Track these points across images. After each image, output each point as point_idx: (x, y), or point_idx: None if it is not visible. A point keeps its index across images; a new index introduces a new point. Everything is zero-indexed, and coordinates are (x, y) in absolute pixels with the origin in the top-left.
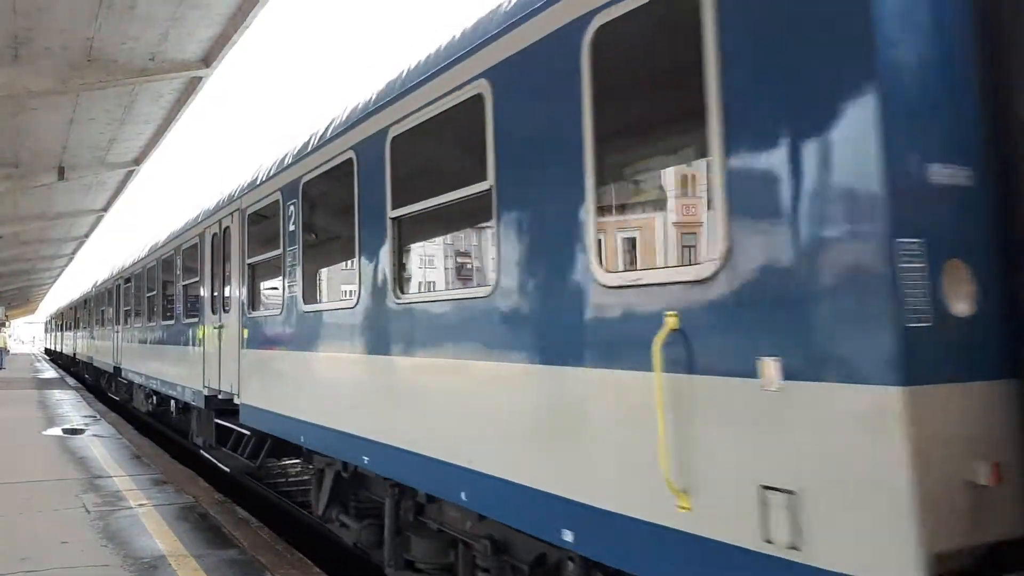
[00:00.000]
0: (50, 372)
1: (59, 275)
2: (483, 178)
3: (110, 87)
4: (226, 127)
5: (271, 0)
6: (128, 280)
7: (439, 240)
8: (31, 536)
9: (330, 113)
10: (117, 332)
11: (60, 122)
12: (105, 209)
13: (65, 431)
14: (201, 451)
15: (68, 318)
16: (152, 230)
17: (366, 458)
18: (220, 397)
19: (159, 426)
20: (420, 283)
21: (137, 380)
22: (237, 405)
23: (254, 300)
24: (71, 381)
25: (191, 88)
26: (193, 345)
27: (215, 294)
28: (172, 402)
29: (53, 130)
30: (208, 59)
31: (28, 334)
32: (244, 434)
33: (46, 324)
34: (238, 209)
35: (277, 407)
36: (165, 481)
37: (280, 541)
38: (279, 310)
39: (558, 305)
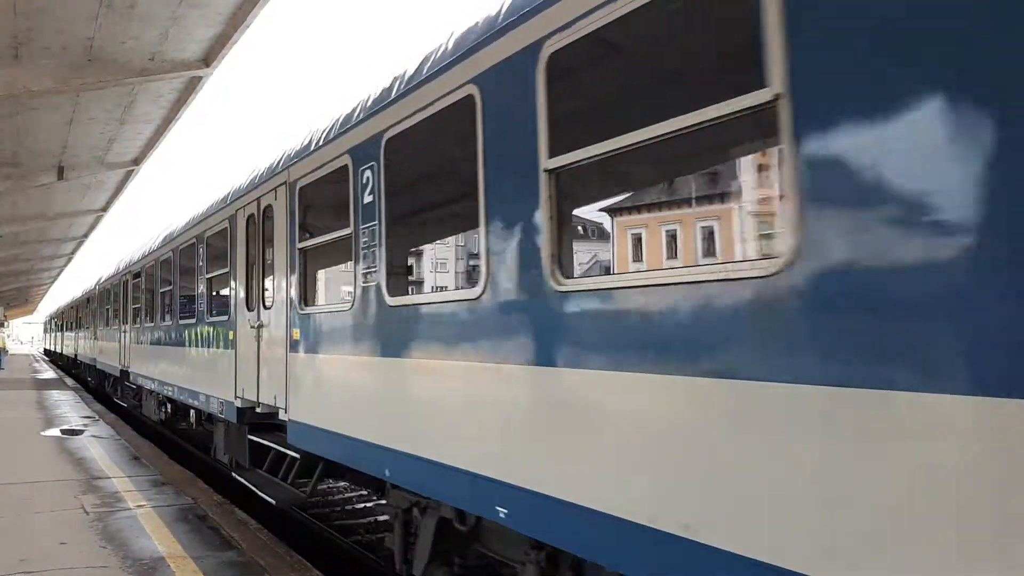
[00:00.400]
0: (49, 373)
1: (58, 275)
2: (758, 85)
3: (110, 87)
4: (226, 127)
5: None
6: (137, 275)
7: (639, 196)
8: (30, 537)
9: (426, 47)
10: (124, 332)
11: (60, 122)
12: (104, 209)
13: (64, 432)
14: (233, 474)
15: (69, 317)
16: (166, 218)
17: (504, 510)
18: (259, 410)
19: (175, 438)
20: (597, 261)
21: (148, 386)
22: (282, 421)
23: (308, 293)
24: (70, 382)
25: (191, 88)
26: (221, 348)
27: (251, 287)
28: (191, 412)
29: (53, 130)
30: (208, 59)
31: (27, 334)
32: (286, 454)
33: (45, 324)
34: (284, 183)
35: (345, 428)
36: (164, 482)
37: (280, 543)
38: (349, 305)
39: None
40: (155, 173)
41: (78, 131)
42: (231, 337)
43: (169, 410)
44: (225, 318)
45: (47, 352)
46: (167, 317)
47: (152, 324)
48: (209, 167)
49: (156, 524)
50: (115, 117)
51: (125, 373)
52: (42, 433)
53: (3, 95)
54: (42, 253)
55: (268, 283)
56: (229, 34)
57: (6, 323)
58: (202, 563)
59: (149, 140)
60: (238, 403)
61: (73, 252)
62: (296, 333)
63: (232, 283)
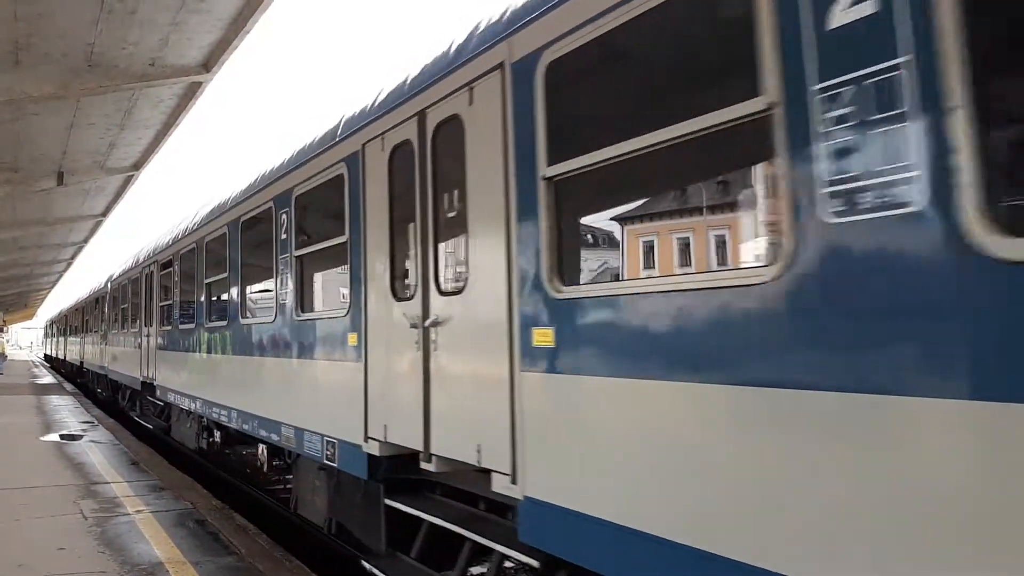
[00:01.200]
0: (48, 378)
1: (57, 280)
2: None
3: (110, 92)
4: (227, 133)
5: (272, 5)
6: (167, 265)
7: None
8: (28, 542)
9: None
10: (147, 336)
11: (60, 127)
12: (104, 214)
13: (63, 437)
14: (365, 564)
15: (74, 320)
16: (215, 186)
17: None
18: (429, 467)
19: (223, 474)
20: None
21: (184, 405)
22: (505, 499)
23: (574, 260)
24: (68, 386)
25: (191, 93)
26: (331, 358)
27: (404, 262)
28: (260, 448)
29: (53, 135)
30: (208, 64)
31: (26, 339)
32: (451, 532)
33: (46, 328)
34: (498, 67)
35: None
36: (163, 487)
37: (278, 548)
38: (773, 272)
39: None
40: (155, 178)
41: (78, 136)
42: (354, 342)
43: (217, 439)
44: (340, 312)
45: (48, 358)
46: (218, 315)
47: (191, 325)
48: (208, 171)
49: (155, 529)
50: (115, 122)
51: (148, 386)
52: (41, 438)
53: (3, 100)
54: (42, 258)
55: (449, 251)
56: (230, 39)
57: (5, 328)
58: (201, 568)
59: (149, 145)
60: (372, 449)
61: (73, 257)
62: (543, 336)
63: (356, 258)
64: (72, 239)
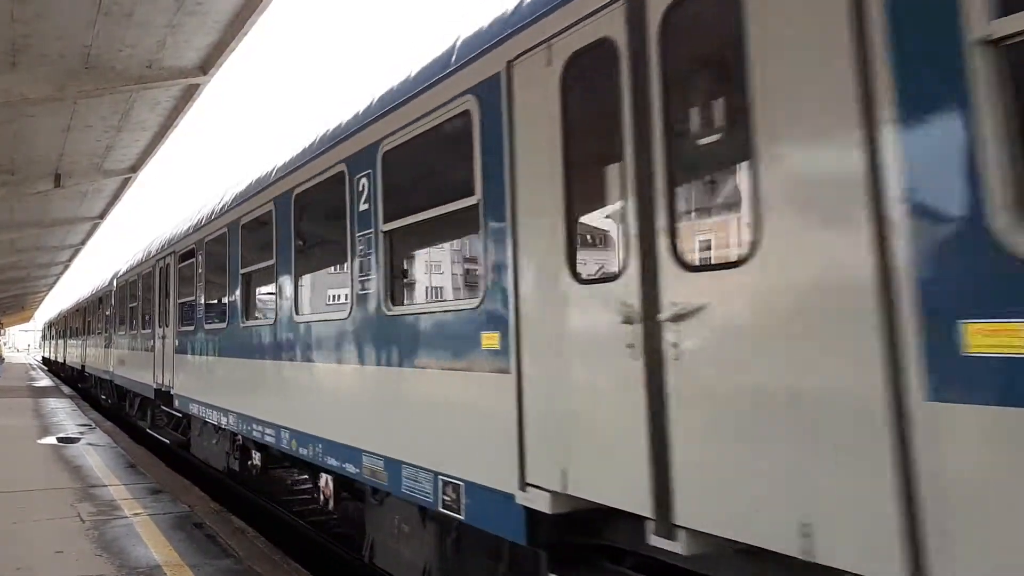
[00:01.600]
0: (45, 380)
1: (55, 283)
2: None
3: (107, 94)
4: (224, 134)
5: (269, 7)
6: (188, 256)
7: None
8: (26, 546)
9: None
10: (163, 338)
11: (57, 129)
12: (101, 216)
13: (60, 440)
14: None
15: (74, 322)
16: (255, 157)
17: None
18: (676, 547)
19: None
20: None
21: (212, 419)
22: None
23: None
24: (66, 389)
25: (188, 95)
26: (452, 365)
27: (579, 225)
28: (324, 478)
29: (50, 137)
30: (205, 66)
31: (23, 342)
32: None
33: (44, 331)
34: None
35: None
36: (160, 490)
37: (276, 551)
38: None
39: None
40: (153, 180)
41: (75, 138)
42: (493, 345)
43: (256, 460)
44: (467, 303)
45: (46, 361)
46: (260, 311)
47: (222, 324)
48: (207, 174)
49: (153, 532)
50: (112, 124)
51: (164, 394)
52: (38, 441)
53: (0, 103)
54: (39, 260)
55: (696, 202)
56: (227, 42)
57: (2, 331)
58: (199, 571)
59: (146, 147)
60: (537, 502)
61: (70, 260)
62: (1003, 335)
63: (494, 226)
64: (69, 241)
